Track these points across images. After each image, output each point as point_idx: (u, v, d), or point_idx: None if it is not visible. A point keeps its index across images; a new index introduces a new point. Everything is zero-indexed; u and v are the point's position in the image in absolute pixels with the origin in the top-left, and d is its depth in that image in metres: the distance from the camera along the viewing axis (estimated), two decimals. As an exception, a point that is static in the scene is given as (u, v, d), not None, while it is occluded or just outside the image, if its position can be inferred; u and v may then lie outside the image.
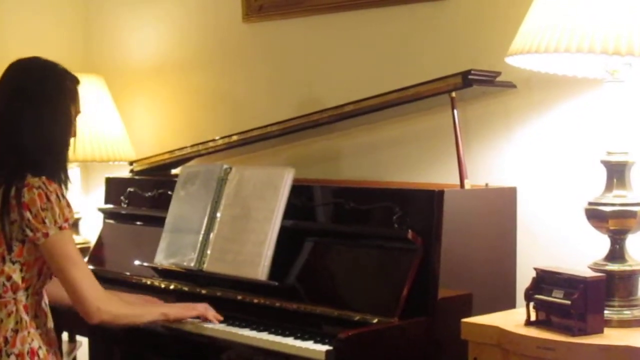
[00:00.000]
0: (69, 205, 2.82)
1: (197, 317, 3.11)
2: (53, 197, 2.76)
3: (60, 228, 2.77)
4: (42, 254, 2.80)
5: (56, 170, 2.85)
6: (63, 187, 2.86)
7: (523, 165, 3.24)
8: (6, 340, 2.78)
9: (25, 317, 2.81)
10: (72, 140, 2.95)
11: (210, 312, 3.12)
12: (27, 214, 2.74)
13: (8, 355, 2.77)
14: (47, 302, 2.93)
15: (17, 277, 2.80)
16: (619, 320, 2.64)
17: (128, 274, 3.67)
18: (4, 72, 2.95)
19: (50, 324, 2.92)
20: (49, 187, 2.77)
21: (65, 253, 2.78)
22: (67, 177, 2.91)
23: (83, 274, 2.81)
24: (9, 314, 2.80)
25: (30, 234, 2.76)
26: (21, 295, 2.81)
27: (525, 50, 2.60)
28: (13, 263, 2.80)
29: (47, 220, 2.75)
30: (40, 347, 2.82)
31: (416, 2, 3.52)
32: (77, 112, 2.97)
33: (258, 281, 3.17)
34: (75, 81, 2.97)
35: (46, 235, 2.75)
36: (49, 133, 2.85)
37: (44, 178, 2.78)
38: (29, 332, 2.81)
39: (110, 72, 4.65)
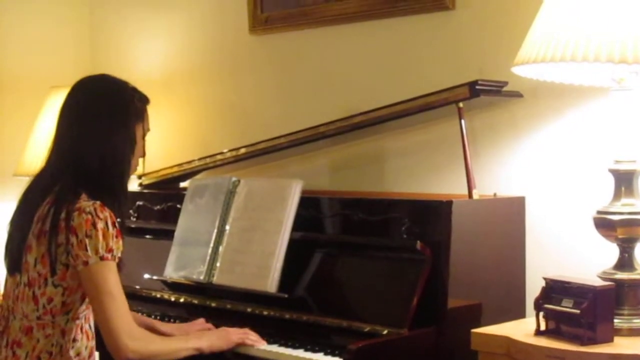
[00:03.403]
0: (118, 235, 2.71)
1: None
2: (100, 225, 2.66)
3: (102, 258, 2.66)
4: None
5: (114, 191, 2.79)
6: (120, 207, 2.79)
7: (531, 174, 3.24)
8: (38, 359, 2.74)
9: (62, 342, 2.75)
10: (140, 160, 2.92)
11: (250, 339, 3.00)
12: (73, 239, 2.66)
13: None
14: (92, 324, 2.84)
15: (57, 300, 2.72)
16: (629, 328, 2.63)
17: (138, 287, 3.67)
18: (71, 88, 2.90)
19: (91, 344, 2.85)
20: (99, 214, 2.67)
21: (102, 284, 2.67)
22: (126, 197, 2.86)
23: (117, 307, 2.69)
24: (47, 336, 2.74)
25: (71, 259, 2.68)
26: (60, 320, 2.74)
27: (531, 60, 2.60)
28: (55, 286, 2.71)
29: (89, 248, 2.65)
30: None
31: (423, 13, 3.52)
32: (146, 130, 2.94)
33: (267, 293, 3.17)
34: (145, 100, 2.93)
35: (85, 263, 2.66)
36: (112, 152, 2.79)
37: (97, 203, 2.69)
38: (62, 356, 2.75)
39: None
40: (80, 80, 2.93)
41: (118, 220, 2.76)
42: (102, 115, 2.81)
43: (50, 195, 2.76)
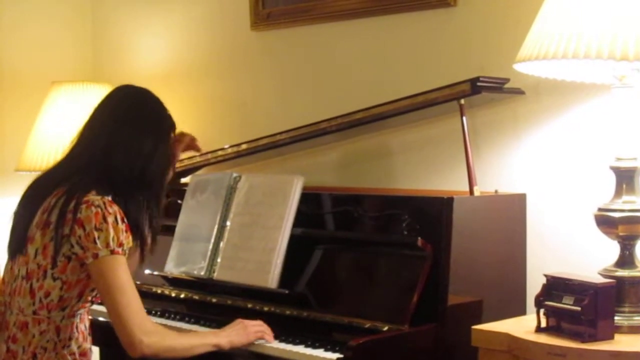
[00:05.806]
0: (127, 230, 2.70)
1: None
2: (110, 219, 2.65)
3: (112, 252, 2.64)
4: (86, 276, 2.71)
5: (150, 200, 2.81)
6: (157, 214, 2.83)
7: (532, 171, 3.24)
8: (34, 356, 2.71)
9: (56, 339, 2.72)
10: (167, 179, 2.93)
11: (268, 334, 2.96)
12: (80, 231, 2.64)
13: None
14: (87, 325, 2.83)
15: (55, 295, 2.70)
16: (629, 326, 2.63)
17: (138, 282, 3.66)
18: (113, 92, 2.96)
19: (87, 345, 2.82)
20: (108, 208, 2.66)
21: (113, 278, 2.64)
22: (160, 207, 2.87)
23: (129, 302, 2.66)
24: (42, 332, 2.72)
25: (79, 251, 2.66)
26: (55, 316, 2.72)
27: (533, 57, 2.60)
28: (54, 279, 2.69)
29: (98, 241, 2.63)
30: None
31: (424, 9, 3.52)
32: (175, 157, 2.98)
33: (268, 289, 3.17)
34: (174, 127, 2.98)
35: (95, 256, 2.64)
36: (155, 164, 2.82)
37: (106, 198, 2.69)
38: (57, 354, 2.72)
39: (118, 81, 4.58)
40: (123, 86, 2.98)
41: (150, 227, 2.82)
42: (147, 127, 2.85)
43: (61, 187, 2.76)
